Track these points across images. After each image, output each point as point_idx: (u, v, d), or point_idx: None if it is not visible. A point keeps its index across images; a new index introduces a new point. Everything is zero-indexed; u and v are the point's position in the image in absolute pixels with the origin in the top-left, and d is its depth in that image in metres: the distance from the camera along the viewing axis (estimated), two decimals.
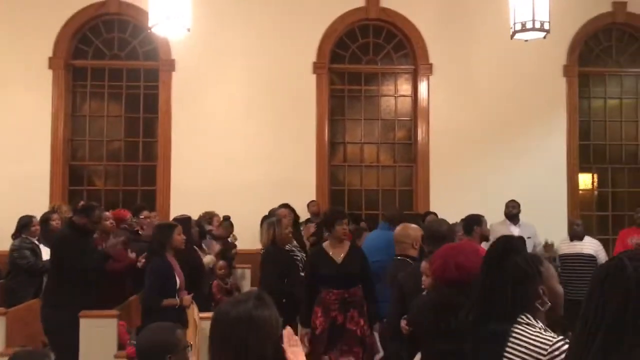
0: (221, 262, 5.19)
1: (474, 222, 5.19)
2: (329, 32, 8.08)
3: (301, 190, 7.60)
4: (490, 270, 2.03)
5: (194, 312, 4.36)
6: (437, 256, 2.57)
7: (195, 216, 6.03)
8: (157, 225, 4.76)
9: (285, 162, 7.81)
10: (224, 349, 1.76)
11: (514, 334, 1.94)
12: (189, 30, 5.07)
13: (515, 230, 6.90)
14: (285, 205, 6.03)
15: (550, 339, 1.89)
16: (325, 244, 4.52)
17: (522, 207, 7.08)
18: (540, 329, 1.95)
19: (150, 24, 5.02)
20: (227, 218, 6.68)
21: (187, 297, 4.28)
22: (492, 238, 6.73)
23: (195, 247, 5.10)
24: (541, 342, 1.89)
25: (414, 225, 4.23)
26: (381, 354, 4.32)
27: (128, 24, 8.11)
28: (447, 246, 2.58)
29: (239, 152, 7.79)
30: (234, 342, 1.72)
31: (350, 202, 8.12)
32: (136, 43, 8.12)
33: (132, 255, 4.79)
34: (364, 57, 8.32)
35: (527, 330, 1.94)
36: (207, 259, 5.27)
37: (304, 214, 7.22)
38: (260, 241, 5.12)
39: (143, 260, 4.64)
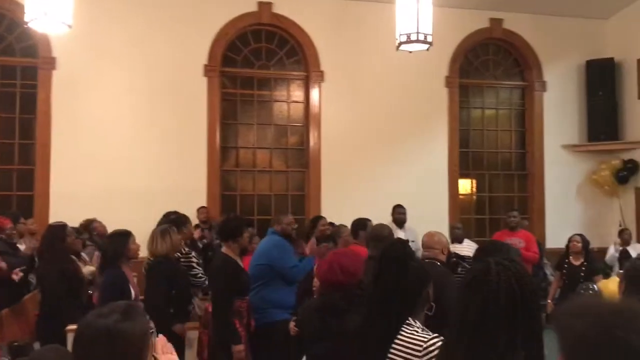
0: None
1: (359, 227, 5.36)
2: (220, 35, 8.00)
3: (191, 196, 7.45)
4: (392, 272, 2.10)
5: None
6: (324, 261, 2.62)
7: (77, 223, 5.73)
8: (111, 233, 4.41)
9: (174, 167, 7.61)
10: None
11: (399, 336, 2.02)
12: (69, 27, 4.80)
13: (401, 234, 7.18)
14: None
15: (425, 337, 1.98)
16: (229, 252, 4.44)
17: (407, 211, 7.41)
18: (417, 328, 2.04)
19: (26, 19, 4.69)
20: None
21: None
22: None
23: (73, 256, 4.81)
24: (417, 341, 1.99)
25: (440, 233, 4.29)
26: None
27: (3, 18, 7.56)
28: (334, 251, 2.64)
29: (125, 156, 7.49)
30: (92, 358, 1.63)
31: (242, 208, 8.06)
32: (12, 39, 7.58)
33: (2, 264, 4.44)
34: (256, 62, 8.31)
35: (405, 330, 2.02)
36: (87, 269, 5.00)
37: (193, 220, 7.08)
38: (148, 249, 4.86)
39: (21, 274, 4.32)
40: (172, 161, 7.62)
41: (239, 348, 4.11)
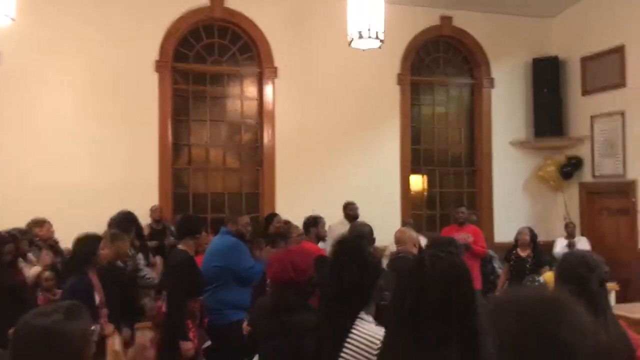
0: (47, 273, 4.77)
1: (310, 224, 5.41)
2: (171, 30, 7.87)
3: (143, 194, 7.31)
4: (344, 265, 2.12)
5: (114, 343, 3.88)
6: (275, 259, 2.63)
7: (22, 223, 5.56)
8: (79, 237, 4.26)
9: (125, 164, 7.46)
10: None
11: (353, 330, 2.04)
12: (13, 20, 4.66)
13: None
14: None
15: (380, 332, 2.01)
16: (186, 250, 4.39)
17: (360, 207, 7.48)
18: (371, 322, 2.07)
19: None
20: None
21: (109, 326, 3.88)
22: (331, 237, 7.04)
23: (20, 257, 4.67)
24: (374, 337, 2.01)
25: (407, 229, 4.89)
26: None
27: None
28: (285, 249, 2.65)
29: (74, 154, 7.29)
30: (29, 358, 1.60)
31: (195, 206, 7.97)
32: None
33: None
34: (209, 58, 8.22)
35: (359, 325, 2.05)
36: (34, 270, 4.85)
37: (145, 219, 6.98)
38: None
39: None
40: (123, 159, 7.47)
41: (187, 346, 4.09)
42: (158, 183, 7.67)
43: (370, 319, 2.09)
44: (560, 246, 8.00)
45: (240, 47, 8.30)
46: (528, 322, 1.14)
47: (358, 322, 2.05)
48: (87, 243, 4.09)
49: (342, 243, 2.27)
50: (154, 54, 7.76)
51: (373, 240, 4.63)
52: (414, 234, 4.66)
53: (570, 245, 7.87)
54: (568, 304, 1.18)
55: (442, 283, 1.51)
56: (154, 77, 7.77)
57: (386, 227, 7.67)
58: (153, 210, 7.30)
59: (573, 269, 2.33)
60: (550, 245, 8.00)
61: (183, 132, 8.12)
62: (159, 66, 7.78)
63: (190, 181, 8.09)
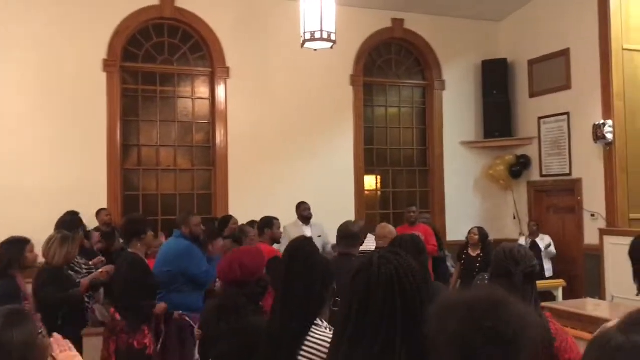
0: None
1: (265, 225, 5.38)
2: (120, 28, 7.69)
3: (91, 196, 7.11)
4: (297, 270, 2.08)
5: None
6: (225, 258, 2.59)
7: None
8: (5, 241, 4.06)
9: (72, 166, 7.24)
10: None
11: (309, 337, 2.00)
12: None
13: (307, 231, 7.25)
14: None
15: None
16: (136, 252, 4.27)
17: (314, 208, 7.48)
18: (325, 328, 2.03)
19: None
20: None
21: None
22: (286, 239, 7.01)
23: None
24: (328, 342, 1.97)
25: (388, 225, 4.98)
26: None
27: None
28: (235, 249, 2.62)
29: (21, 154, 7.03)
30: None
31: (145, 208, 7.80)
32: None
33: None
34: (159, 57, 8.06)
35: (314, 331, 2.01)
36: None
37: (92, 222, 6.79)
38: (43, 254, 4.58)
39: None
40: (70, 160, 7.25)
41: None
42: (107, 185, 7.48)
43: (325, 324, 2.06)
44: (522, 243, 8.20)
45: (191, 47, 8.18)
46: (467, 322, 1.14)
47: (313, 327, 2.02)
48: (12, 246, 3.95)
49: (292, 247, 2.24)
50: (102, 53, 7.57)
51: (361, 241, 4.56)
52: (393, 229, 4.71)
53: (532, 244, 8.07)
54: (503, 300, 1.18)
55: (389, 284, 1.49)
56: (102, 77, 7.57)
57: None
58: (102, 214, 7.10)
59: (500, 263, 2.38)
60: (499, 243, 8.16)
61: (133, 133, 7.94)
62: (107, 65, 7.59)
63: (141, 182, 7.92)
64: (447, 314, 1.18)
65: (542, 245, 8.14)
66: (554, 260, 8.29)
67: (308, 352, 1.98)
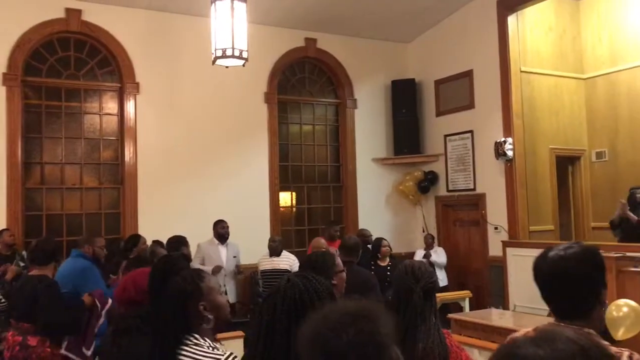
0: None
1: (180, 244, 5.28)
2: (22, 41, 7.35)
3: None
4: (155, 292, 2.04)
5: None
6: (122, 279, 2.53)
7: None
8: None
9: None
10: None
11: (181, 357, 1.94)
12: None
13: (222, 250, 7.18)
14: None
15: (219, 356, 1.94)
16: (45, 275, 4.07)
17: (230, 225, 7.41)
18: (208, 347, 1.96)
19: None
20: None
21: None
22: (199, 257, 6.90)
23: None
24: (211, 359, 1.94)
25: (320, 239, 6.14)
26: None
27: None
28: (135, 270, 2.55)
29: None
30: None
31: (48, 228, 7.43)
32: None
33: None
34: (64, 72, 7.76)
35: (195, 350, 1.95)
36: None
37: None
38: None
39: None
40: None
41: None
42: (6, 205, 7.07)
43: (208, 342, 1.98)
44: (418, 256, 8.47)
45: (99, 61, 7.93)
46: (317, 330, 1.12)
47: (187, 348, 1.94)
48: None
49: (154, 265, 2.19)
50: (1, 66, 7.19)
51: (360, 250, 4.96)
52: (323, 241, 5.74)
53: (426, 255, 8.39)
54: (359, 313, 1.13)
55: (291, 308, 1.52)
56: (2, 91, 7.20)
57: (256, 243, 7.71)
58: (5, 234, 6.68)
59: (402, 280, 2.46)
60: (411, 256, 8.43)
61: (35, 150, 7.57)
62: (7, 79, 7.22)
63: (44, 202, 7.54)
64: (307, 322, 1.17)
65: (434, 257, 8.50)
66: (446, 268, 8.66)
67: None
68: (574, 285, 1.75)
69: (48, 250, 4.20)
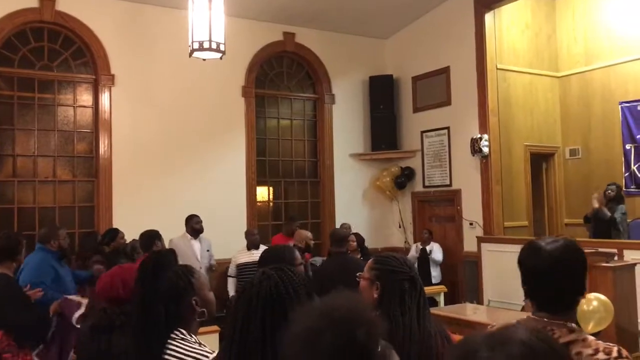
0: None
1: (153, 238, 5.22)
2: None
3: None
4: (144, 288, 2.02)
5: None
6: (107, 274, 2.49)
7: None
8: None
9: None
10: None
11: (169, 351, 1.95)
12: None
13: (196, 245, 7.13)
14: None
15: (207, 353, 1.94)
16: (7, 273, 3.99)
17: (205, 220, 7.35)
18: (194, 342, 1.98)
19: None
20: None
21: None
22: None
23: None
24: (198, 356, 1.94)
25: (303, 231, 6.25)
26: None
27: None
28: (117, 266, 2.52)
29: None
30: None
31: (20, 222, 7.29)
32: None
33: None
34: (37, 62, 7.62)
35: (182, 345, 1.96)
36: None
37: None
38: None
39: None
40: None
41: None
42: None
43: (194, 338, 1.99)
44: (413, 252, 8.67)
45: (73, 53, 7.80)
46: (305, 324, 1.12)
47: (173, 342, 1.94)
48: None
49: (142, 262, 2.16)
50: None
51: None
52: (304, 233, 5.97)
53: (423, 251, 8.55)
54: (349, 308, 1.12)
55: (268, 301, 1.49)
56: None
57: (232, 238, 7.68)
58: None
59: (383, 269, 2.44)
60: (388, 250, 8.47)
61: (7, 142, 7.42)
62: None
63: (16, 195, 7.40)
64: (289, 326, 1.16)
65: (434, 254, 8.57)
66: (441, 266, 8.73)
67: None
68: (564, 279, 1.77)
69: (5, 248, 4.09)
